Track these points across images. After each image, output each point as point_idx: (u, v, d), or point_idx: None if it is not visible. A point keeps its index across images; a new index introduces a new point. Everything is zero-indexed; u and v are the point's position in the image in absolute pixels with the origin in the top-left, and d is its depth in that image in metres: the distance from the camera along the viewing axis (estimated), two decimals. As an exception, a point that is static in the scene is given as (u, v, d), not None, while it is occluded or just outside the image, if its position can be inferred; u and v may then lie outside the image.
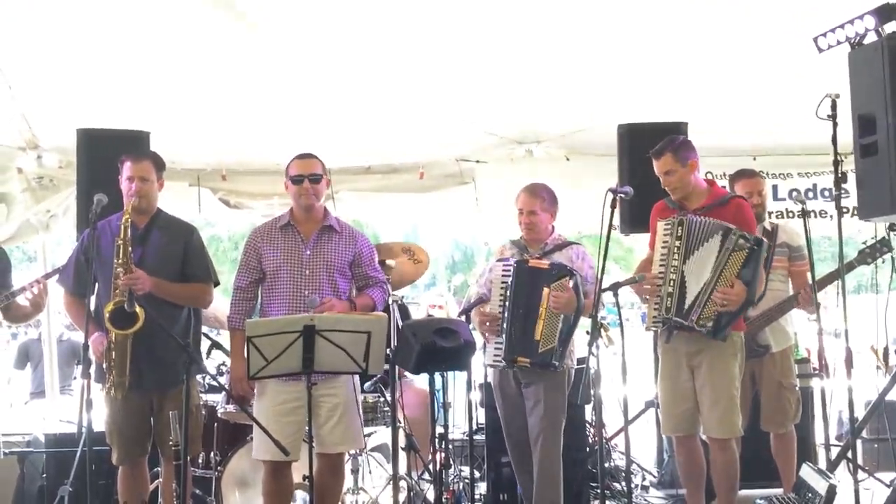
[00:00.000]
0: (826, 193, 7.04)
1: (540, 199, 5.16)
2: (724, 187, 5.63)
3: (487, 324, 5.03)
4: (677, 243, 4.71)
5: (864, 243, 5.27)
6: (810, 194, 7.17)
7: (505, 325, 4.98)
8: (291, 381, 4.37)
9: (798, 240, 5.48)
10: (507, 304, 4.99)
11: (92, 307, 4.65)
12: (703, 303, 4.63)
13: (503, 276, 5.04)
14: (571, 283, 4.86)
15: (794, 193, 7.07)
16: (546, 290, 4.90)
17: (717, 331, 4.66)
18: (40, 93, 6.02)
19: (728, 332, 4.70)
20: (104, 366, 4.61)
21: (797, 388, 5.51)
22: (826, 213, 7.05)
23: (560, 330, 4.87)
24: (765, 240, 4.72)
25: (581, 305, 4.83)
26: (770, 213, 6.98)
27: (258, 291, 4.76)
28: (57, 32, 5.37)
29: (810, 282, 5.29)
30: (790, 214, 7.04)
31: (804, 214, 5.20)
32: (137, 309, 4.42)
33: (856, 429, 4.88)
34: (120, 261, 4.54)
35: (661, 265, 4.75)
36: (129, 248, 4.57)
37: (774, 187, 7.24)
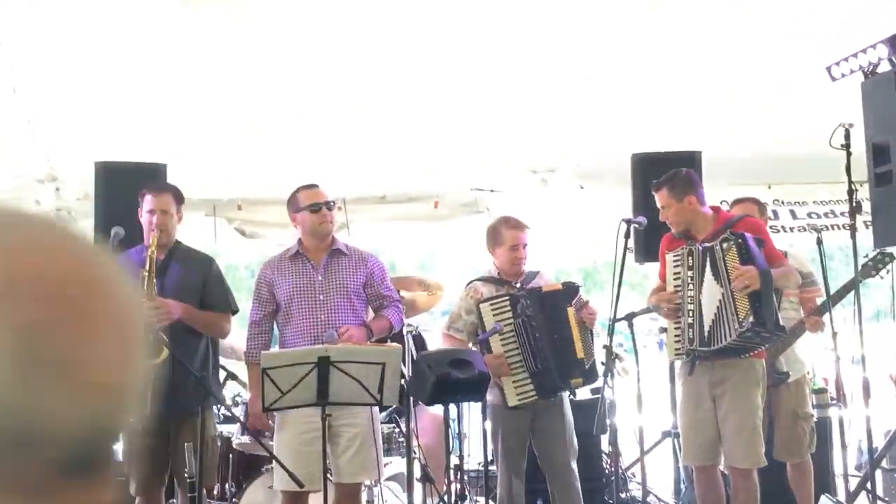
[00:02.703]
0: (844, 215, 7.00)
1: (526, 232, 5.18)
2: None
3: (502, 368, 5.01)
4: (690, 273, 4.69)
5: (866, 256, 5.22)
6: (831, 214, 7.13)
7: (539, 357, 4.96)
8: (314, 411, 4.36)
9: (807, 266, 5.47)
10: (527, 336, 4.98)
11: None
12: (733, 307, 4.55)
13: (497, 315, 5.01)
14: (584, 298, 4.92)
15: (813, 215, 7.03)
16: (570, 309, 4.95)
17: (764, 322, 4.53)
18: (59, 126, 6.08)
19: (780, 323, 4.65)
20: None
21: (813, 418, 5.46)
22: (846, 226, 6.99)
23: (593, 343, 4.96)
24: (745, 233, 4.64)
25: (611, 343, 4.84)
26: (790, 229, 6.97)
27: (273, 324, 4.78)
28: (75, 67, 5.44)
29: (818, 304, 5.28)
30: (812, 229, 6.97)
31: (819, 243, 5.17)
32: (160, 339, 4.45)
33: (875, 459, 4.83)
34: (144, 292, 4.58)
35: (678, 296, 4.74)
36: (154, 280, 4.62)
37: (792, 211, 7.21)
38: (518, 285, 5.14)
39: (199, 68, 5.54)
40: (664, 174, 4.93)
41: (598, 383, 5.03)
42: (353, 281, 4.72)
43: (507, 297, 5.04)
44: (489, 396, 5.11)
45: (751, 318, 4.50)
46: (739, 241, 4.57)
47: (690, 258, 4.70)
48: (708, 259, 4.63)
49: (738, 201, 5.63)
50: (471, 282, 5.34)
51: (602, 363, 4.64)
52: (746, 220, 4.94)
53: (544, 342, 4.98)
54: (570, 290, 5.03)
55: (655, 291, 5.01)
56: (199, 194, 6.73)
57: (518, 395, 5.00)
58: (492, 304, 5.04)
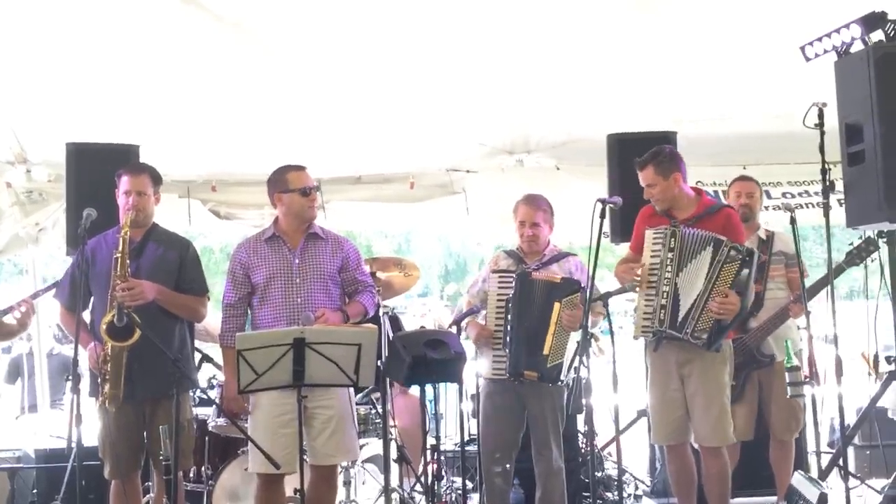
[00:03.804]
0: (817, 195, 7.02)
1: (542, 210, 5.18)
2: (715, 195, 5.66)
3: (483, 339, 5.04)
4: (670, 255, 4.69)
5: (851, 244, 5.27)
6: (805, 194, 7.17)
7: (508, 338, 4.98)
8: (287, 393, 4.35)
9: (793, 247, 5.50)
10: (508, 316, 4.99)
11: (88, 321, 4.66)
12: (698, 315, 4.62)
13: (500, 287, 5.05)
14: (580, 300, 4.86)
15: (787, 195, 7.07)
16: (557, 304, 4.92)
17: (711, 342, 4.65)
18: (29, 107, 6.01)
19: (721, 343, 4.71)
20: (98, 377, 4.61)
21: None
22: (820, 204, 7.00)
23: (567, 345, 4.90)
24: (755, 250, 4.70)
25: (587, 322, 4.72)
26: (766, 208, 7.00)
27: (247, 306, 4.75)
28: (45, 47, 5.36)
29: (802, 289, 5.32)
30: (786, 208, 7.01)
31: (793, 222, 5.21)
32: (132, 320, 4.42)
33: (847, 436, 4.88)
34: (118, 273, 4.55)
35: (652, 276, 4.74)
36: (128, 261, 4.58)
37: (766, 192, 7.24)
38: (534, 265, 5.12)
39: (172, 48, 5.47)
40: (642, 153, 4.94)
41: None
42: (329, 265, 4.71)
43: (514, 274, 5.06)
44: (480, 367, 5.13)
45: (704, 336, 4.62)
46: (747, 260, 4.58)
47: (673, 239, 4.69)
48: (710, 250, 4.61)
49: (735, 179, 5.67)
50: (503, 250, 5.39)
51: (577, 342, 4.63)
52: (726, 210, 4.94)
53: (517, 326, 4.98)
54: (566, 286, 4.96)
55: (624, 261, 5.01)
56: (173, 175, 6.68)
57: (493, 369, 5.05)
58: (500, 276, 5.11)
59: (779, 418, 5.41)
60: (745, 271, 4.59)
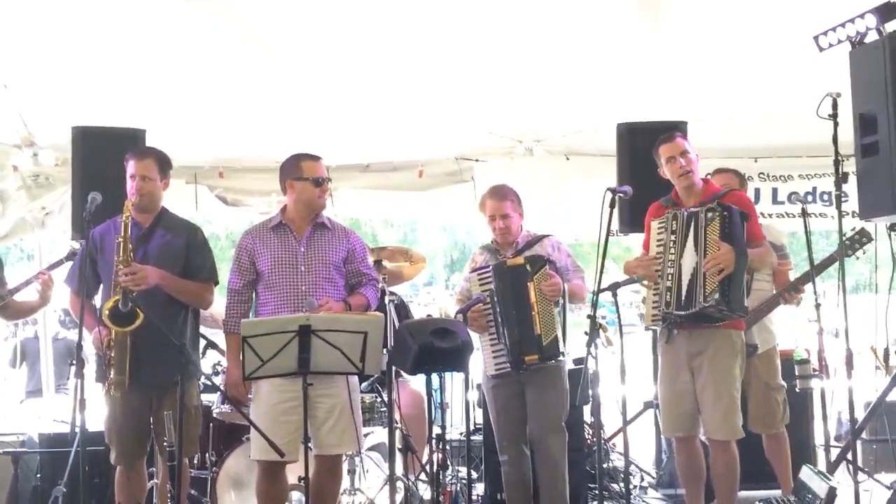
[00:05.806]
0: (826, 197, 7.00)
1: (509, 200, 5.13)
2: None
3: (477, 319, 5.01)
4: (672, 237, 4.70)
5: (844, 235, 5.23)
6: (809, 197, 7.14)
7: (503, 330, 4.94)
8: (289, 380, 4.33)
9: (780, 238, 5.49)
10: (497, 309, 4.96)
11: (99, 305, 4.67)
12: (703, 281, 4.57)
13: (481, 284, 5.02)
14: (551, 269, 4.87)
15: (793, 196, 7.04)
16: (530, 284, 4.89)
17: (728, 302, 4.56)
18: (36, 90, 6.00)
19: (744, 305, 4.66)
20: (103, 363, 4.60)
21: (784, 389, 5.47)
22: (826, 214, 6.98)
23: (555, 317, 4.88)
24: (733, 206, 4.64)
25: (565, 288, 4.82)
26: (769, 215, 6.97)
27: (252, 293, 4.73)
28: (52, 30, 5.35)
29: (806, 278, 5.27)
30: (790, 216, 7.00)
31: (804, 214, 5.17)
32: (135, 308, 4.40)
33: (856, 430, 4.85)
34: (120, 258, 4.53)
35: (658, 261, 4.73)
36: (130, 246, 4.56)
37: (774, 190, 7.21)
38: (509, 254, 5.09)
39: (180, 33, 5.45)
40: (652, 142, 4.92)
41: (583, 357, 4.97)
42: (334, 255, 4.69)
43: (489, 269, 5.03)
44: (482, 364, 5.10)
45: (716, 296, 4.54)
46: (724, 213, 4.56)
47: (675, 222, 4.71)
48: (692, 225, 4.62)
49: (718, 171, 5.59)
50: (479, 246, 5.37)
51: (586, 333, 4.61)
52: (734, 193, 4.95)
53: (505, 316, 4.96)
54: (534, 264, 4.94)
55: (636, 259, 4.98)
56: (180, 161, 6.64)
57: (496, 365, 5.02)
58: (479, 274, 5.07)
59: (753, 411, 5.35)
60: (728, 223, 4.55)
